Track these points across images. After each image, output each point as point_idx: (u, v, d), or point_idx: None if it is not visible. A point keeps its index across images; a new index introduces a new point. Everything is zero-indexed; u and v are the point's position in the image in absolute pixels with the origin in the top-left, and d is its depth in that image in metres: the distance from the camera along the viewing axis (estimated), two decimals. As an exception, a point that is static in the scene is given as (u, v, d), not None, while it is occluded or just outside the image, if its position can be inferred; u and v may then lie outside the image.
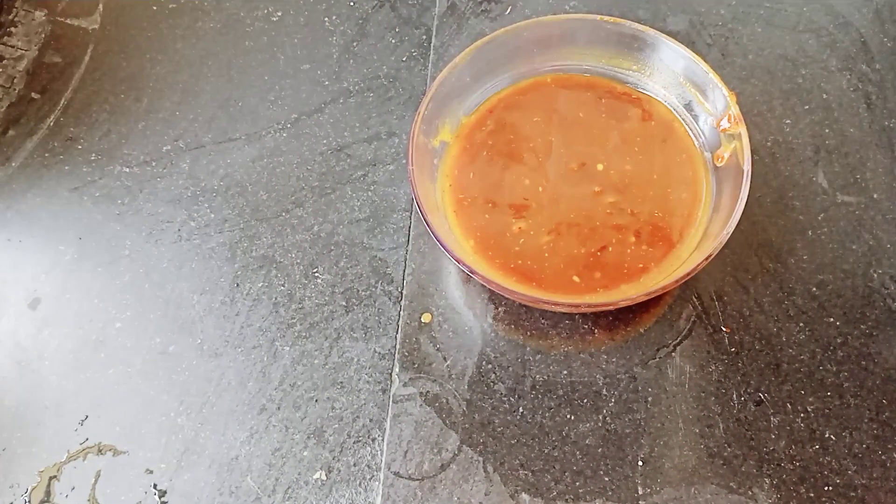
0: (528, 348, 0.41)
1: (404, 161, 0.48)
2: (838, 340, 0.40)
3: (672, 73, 0.43)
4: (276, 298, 0.44)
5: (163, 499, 0.39)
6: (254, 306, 0.44)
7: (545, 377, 0.40)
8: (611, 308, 0.41)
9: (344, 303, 0.43)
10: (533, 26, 0.43)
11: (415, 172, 0.39)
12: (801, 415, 0.38)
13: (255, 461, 0.39)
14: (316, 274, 0.44)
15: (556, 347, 0.41)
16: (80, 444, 0.41)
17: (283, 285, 0.44)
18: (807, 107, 0.47)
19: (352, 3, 0.55)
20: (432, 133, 0.42)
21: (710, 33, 0.51)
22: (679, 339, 0.40)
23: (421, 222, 0.43)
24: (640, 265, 0.39)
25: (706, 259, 0.36)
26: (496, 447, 0.38)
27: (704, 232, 0.39)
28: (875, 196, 0.44)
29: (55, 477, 0.40)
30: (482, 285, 0.42)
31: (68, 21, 0.56)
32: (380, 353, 0.42)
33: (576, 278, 0.39)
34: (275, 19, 0.55)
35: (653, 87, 0.44)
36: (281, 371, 0.42)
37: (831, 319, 0.40)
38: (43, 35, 0.56)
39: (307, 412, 0.40)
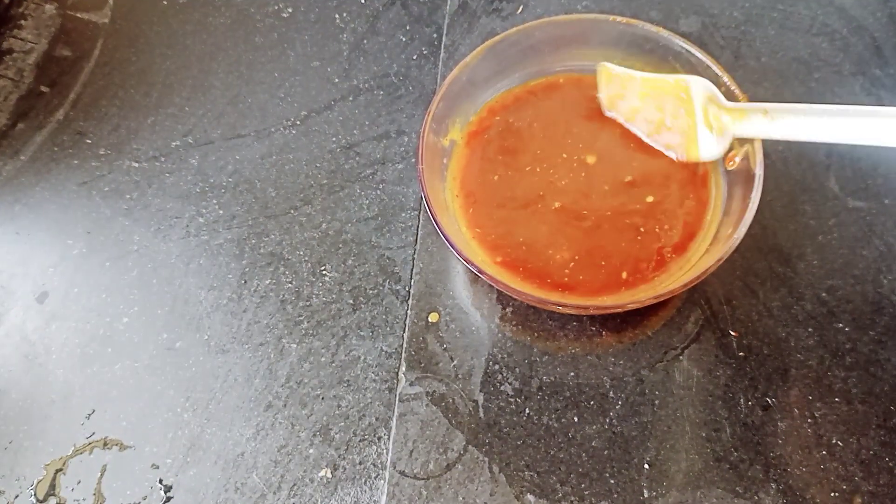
0: (535, 349, 0.41)
1: (413, 160, 0.48)
2: (847, 346, 0.40)
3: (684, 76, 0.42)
4: (283, 296, 0.44)
5: (168, 494, 0.39)
6: (261, 303, 0.44)
7: (552, 378, 0.40)
8: (619, 310, 0.40)
9: (351, 301, 0.43)
10: (545, 26, 0.43)
11: (424, 171, 0.39)
12: (809, 420, 0.38)
13: (260, 458, 0.39)
14: (324, 272, 0.44)
15: (563, 349, 0.41)
16: (87, 438, 0.41)
17: (291, 283, 0.44)
18: (819, 110, 0.47)
19: (363, 1, 0.55)
20: (442, 132, 0.42)
21: (723, 35, 0.50)
22: (687, 342, 0.40)
23: (429, 221, 0.43)
24: (649, 268, 0.39)
25: (716, 263, 0.35)
26: (502, 448, 0.38)
27: (714, 236, 0.39)
28: (886, 202, 0.43)
29: (61, 470, 0.40)
30: (490, 285, 0.42)
31: (78, 15, 0.56)
32: (386, 351, 0.42)
33: (584, 280, 0.39)
34: (285, 15, 0.55)
35: (664, 89, 0.44)
36: (287, 368, 0.42)
37: (840, 325, 0.40)
38: (53, 29, 0.56)
39: (313, 410, 0.40)
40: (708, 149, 0.38)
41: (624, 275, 0.39)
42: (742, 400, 0.39)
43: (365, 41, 0.53)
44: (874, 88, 0.47)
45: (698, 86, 0.38)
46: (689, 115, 0.38)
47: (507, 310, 0.42)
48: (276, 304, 0.44)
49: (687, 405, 0.39)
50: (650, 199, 0.41)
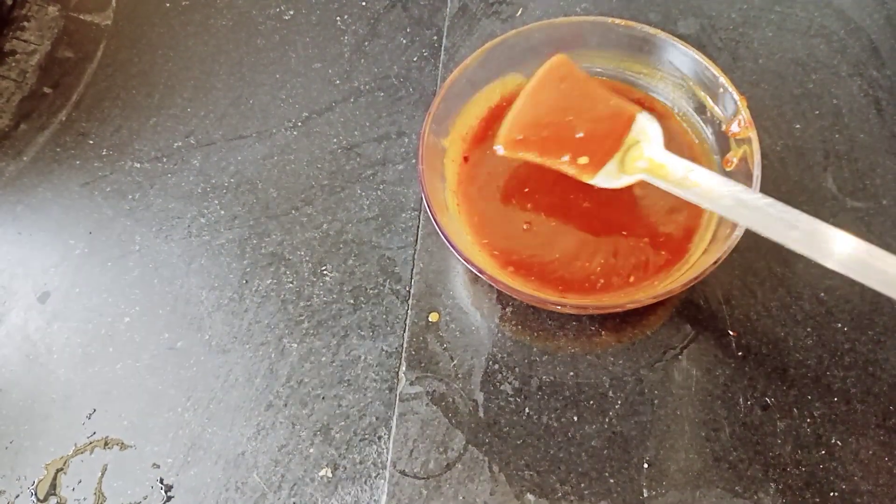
0: (534, 349, 0.41)
1: (414, 160, 0.48)
2: (846, 346, 0.40)
3: (682, 77, 0.43)
4: (284, 296, 0.44)
5: (169, 493, 0.39)
6: (262, 303, 0.44)
7: (552, 378, 0.40)
8: (618, 310, 0.41)
9: (352, 301, 0.43)
10: (544, 28, 0.43)
11: (424, 172, 0.39)
12: (808, 420, 0.38)
13: (261, 457, 0.40)
14: (324, 272, 0.45)
15: (562, 349, 0.41)
16: (88, 437, 0.41)
17: (292, 283, 0.44)
18: (817, 112, 0.47)
19: (364, 3, 0.55)
20: (442, 133, 0.42)
21: (721, 37, 0.51)
22: (686, 342, 0.40)
23: (429, 222, 0.43)
24: (648, 268, 0.39)
25: (714, 263, 0.36)
26: (502, 447, 0.38)
27: (713, 236, 0.39)
28: (884, 202, 0.44)
29: (62, 470, 0.40)
30: (490, 285, 0.42)
31: (81, 17, 0.57)
32: (387, 351, 0.42)
33: (583, 280, 0.39)
34: (287, 18, 0.55)
35: (663, 90, 0.44)
36: (288, 368, 0.42)
37: (839, 325, 0.40)
38: (56, 30, 0.56)
39: (314, 409, 0.41)
40: (605, 179, 0.37)
41: (631, 279, 0.39)
42: (741, 399, 0.39)
43: (366, 43, 0.53)
44: (871, 90, 0.48)
45: (643, 121, 0.37)
46: (614, 141, 0.37)
47: (507, 310, 0.42)
48: (277, 303, 0.44)
49: (686, 405, 0.39)
50: (649, 199, 0.41)
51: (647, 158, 0.36)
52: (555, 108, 0.38)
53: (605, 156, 0.37)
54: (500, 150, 0.40)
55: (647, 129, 0.37)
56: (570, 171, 0.38)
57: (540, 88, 0.39)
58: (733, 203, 0.34)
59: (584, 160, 0.37)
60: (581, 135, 0.37)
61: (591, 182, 0.37)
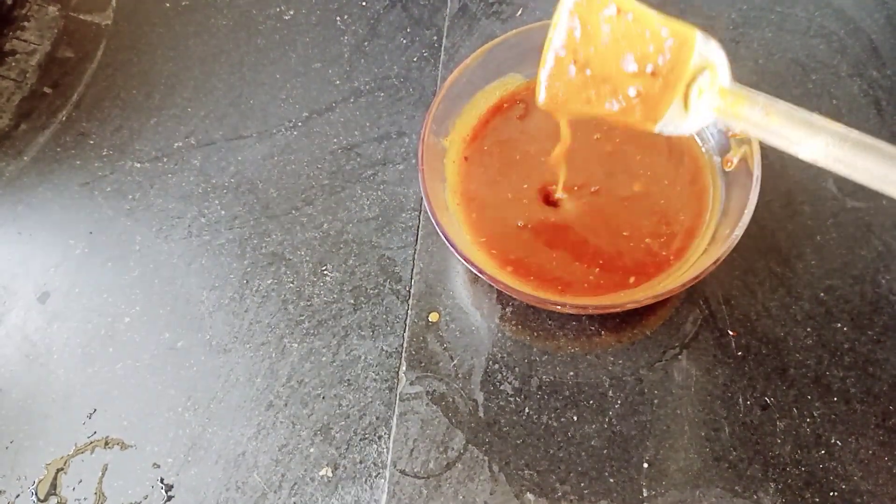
0: (534, 349, 0.41)
1: (414, 161, 0.48)
2: (845, 346, 0.40)
3: (682, 77, 0.42)
4: (284, 295, 0.44)
5: (169, 493, 0.39)
6: (262, 303, 0.44)
7: (552, 378, 0.40)
8: (618, 310, 0.41)
9: (352, 301, 0.44)
10: (544, 28, 0.43)
11: (424, 172, 0.39)
12: (808, 420, 0.38)
13: (261, 457, 0.40)
14: (325, 272, 0.45)
15: (562, 348, 0.41)
16: (88, 437, 0.41)
17: (292, 282, 0.44)
18: (817, 112, 0.47)
19: (363, 3, 0.55)
20: (442, 133, 0.42)
21: (721, 37, 0.50)
22: (686, 342, 0.40)
23: (429, 222, 0.44)
24: (648, 268, 0.39)
25: (714, 263, 0.36)
26: (502, 447, 0.38)
27: (713, 236, 0.39)
28: (884, 202, 0.44)
29: (62, 470, 0.40)
30: (490, 285, 0.42)
31: (81, 16, 0.57)
32: (387, 351, 0.42)
33: (583, 280, 0.39)
34: (287, 18, 0.55)
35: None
36: (289, 368, 0.42)
37: (839, 325, 0.40)
38: (56, 30, 0.56)
39: (314, 409, 0.41)
40: (670, 125, 0.30)
41: (631, 279, 0.39)
42: (741, 399, 0.39)
43: (366, 43, 0.53)
44: (871, 90, 0.48)
45: (705, 46, 0.30)
46: (674, 77, 0.30)
47: (507, 310, 0.42)
48: (278, 303, 0.44)
49: (686, 404, 0.39)
50: (648, 200, 0.41)
51: (717, 90, 0.29)
52: (595, 49, 0.31)
53: (666, 96, 0.30)
54: (542, 105, 0.33)
55: (708, 53, 0.30)
56: (627, 120, 0.32)
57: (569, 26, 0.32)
58: (832, 143, 0.29)
59: (640, 107, 0.31)
60: (633, 77, 0.30)
61: (656, 131, 0.32)
